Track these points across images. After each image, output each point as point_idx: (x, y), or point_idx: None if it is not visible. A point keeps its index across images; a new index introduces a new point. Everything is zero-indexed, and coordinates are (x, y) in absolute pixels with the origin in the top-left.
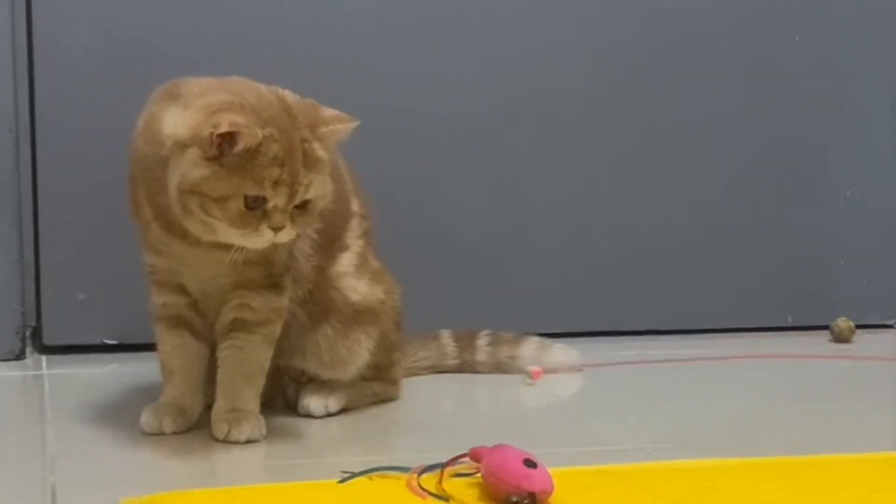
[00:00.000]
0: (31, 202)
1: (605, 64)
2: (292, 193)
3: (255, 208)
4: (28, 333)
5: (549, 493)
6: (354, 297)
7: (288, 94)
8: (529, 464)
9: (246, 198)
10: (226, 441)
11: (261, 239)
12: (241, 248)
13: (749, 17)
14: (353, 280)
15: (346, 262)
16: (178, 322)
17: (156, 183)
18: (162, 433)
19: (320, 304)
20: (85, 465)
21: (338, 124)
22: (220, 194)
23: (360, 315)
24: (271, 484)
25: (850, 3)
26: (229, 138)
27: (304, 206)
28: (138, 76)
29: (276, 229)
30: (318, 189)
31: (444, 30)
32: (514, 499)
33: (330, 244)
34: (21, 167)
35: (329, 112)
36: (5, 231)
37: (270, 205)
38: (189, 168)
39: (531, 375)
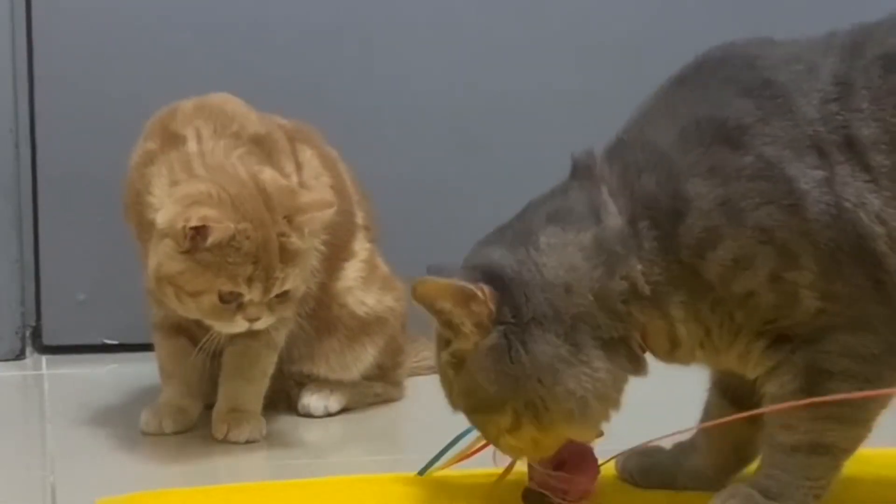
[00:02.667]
0: (31, 202)
1: (608, 63)
2: (267, 288)
3: (229, 301)
4: (28, 333)
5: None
6: (361, 311)
7: (269, 180)
8: (563, 463)
9: (220, 293)
10: (225, 441)
11: (236, 327)
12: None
13: (748, 17)
14: (360, 293)
15: (352, 274)
16: (177, 331)
17: (144, 226)
18: (162, 433)
19: (325, 320)
20: (85, 465)
21: (315, 212)
22: (194, 289)
23: (368, 325)
24: (249, 483)
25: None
26: (201, 232)
27: (282, 295)
28: (138, 76)
29: (252, 320)
30: (296, 280)
31: (445, 29)
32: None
33: (335, 257)
34: (21, 167)
35: (306, 198)
36: (5, 231)
37: (246, 299)
38: (165, 260)
39: None
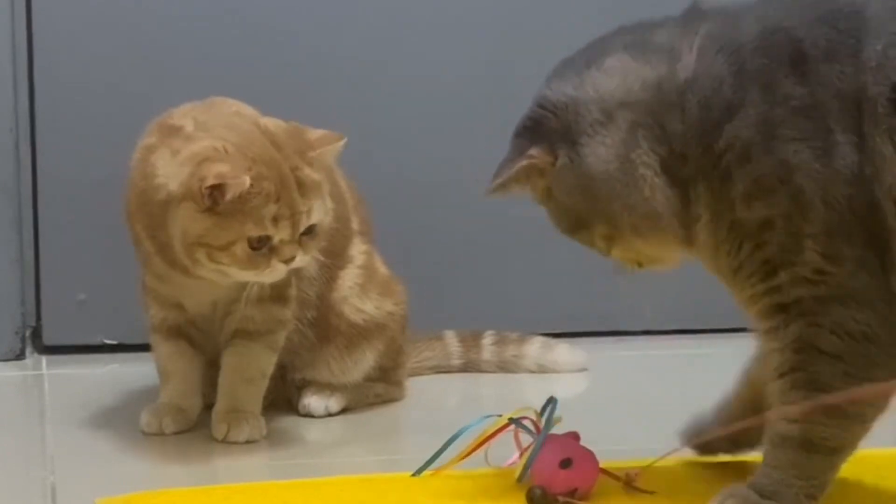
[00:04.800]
0: (31, 202)
1: None
2: (295, 224)
3: (261, 247)
4: (28, 333)
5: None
6: (359, 318)
7: (271, 124)
8: (566, 464)
9: (250, 240)
10: (225, 441)
11: (275, 273)
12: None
13: None
14: (357, 300)
15: (347, 283)
16: (176, 333)
17: (154, 219)
18: (162, 433)
19: (324, 328)
20: (85, 465)
21: (326, 145)
22: (224, 242)
23: (367, 332)
24: (249, 483)
25: None
26: (218, 189)
27: (309, 231)
28: (139, 76)
29: (288, 261)
30: (320, 212)
31: (446, 28)
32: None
33: (332, 265)
34: (21, 167)
35: (315, 134)
36: (5, 231)
37: (276, 240)
38: (188, 223)
39: None
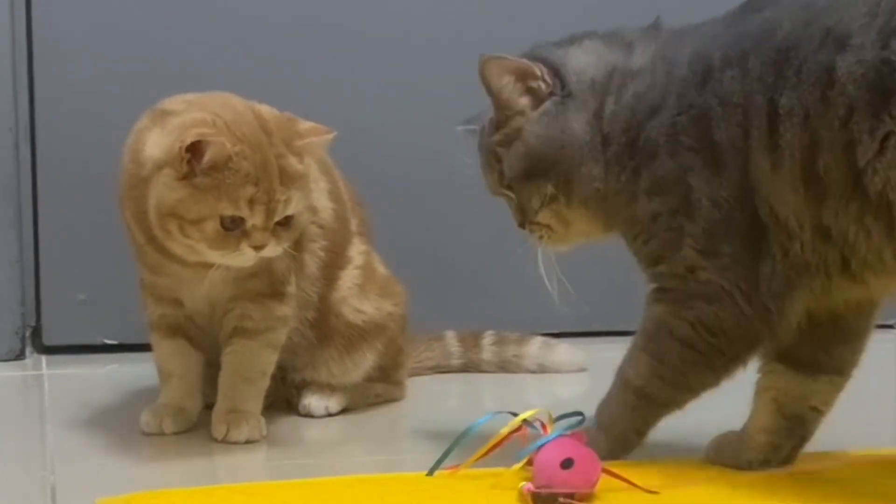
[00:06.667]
0: (30, 202)
1: None
2: (270, 211)
3: (233, 229)
4: (28, 333)
5: (584, 489)
6: (358, 319)
7: (265, 110)
8: (566, 464)
9: (222, 218)
10: (225, 441)
11: (242, 258)
12: (222, 266)
13: None
14: (356, 301)
15: (347, 283)
16: (175, 331)
17: (140, 202)
18: (162, 433)
19: (324, 329)
20: (85, 465)
21: (314, 137)
22: (196, 216)
23: (366, 333)
24: (249, 483)
25: None
26: (196, 149)
27: (286, 222)
28: (138, 76)
29: (258, 248)
30: (299, 204)
31: (449, 29)
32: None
33: (332, 265)
34: (21, 167)
35: (306, 125)
36: (5, 231)
37: (249, 224)
38: (164, 190)
39: None
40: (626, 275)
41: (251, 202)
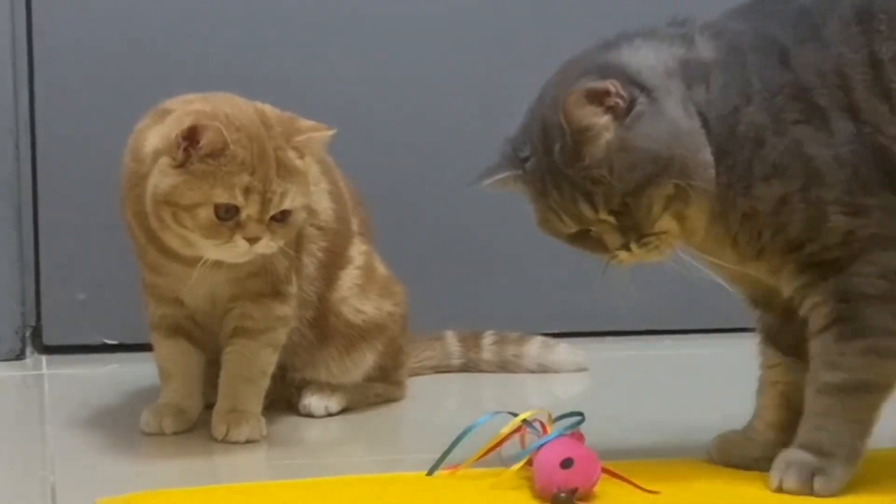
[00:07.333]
0: (31, 202)
1: None
2: (265, 202)
3: (227, 219)
4: (28, 333)
5: (584, 489)
6: (358, 319)
7: (267, 108)
8: (566, 464)
9: (217, 206)
10: (225, 441)
11: (236, 250)
12: (217, 261)
13: None
14: (356, 301)
15: (347, 283)
16: (176, 331)
17: (141, 201)
18: (162, 433)
19: (324, 329)
20: (85, 465)
21: (313, 133)
22: (190, 202)
23: (366, 333)
24: (249, 483)
25: None
26: (193, 135)
27: (282, 217)
28: (139, 76)
29: (252, 240)
30: (297, 199)
31: (447, 28)
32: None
33: (332, 265)
34: (21, 167)
35: (306, 122)
36: (5, 231)
37: (243, 214)
38: (160, 177)
39: None
40: (626, 275)
41: (246, 191)
